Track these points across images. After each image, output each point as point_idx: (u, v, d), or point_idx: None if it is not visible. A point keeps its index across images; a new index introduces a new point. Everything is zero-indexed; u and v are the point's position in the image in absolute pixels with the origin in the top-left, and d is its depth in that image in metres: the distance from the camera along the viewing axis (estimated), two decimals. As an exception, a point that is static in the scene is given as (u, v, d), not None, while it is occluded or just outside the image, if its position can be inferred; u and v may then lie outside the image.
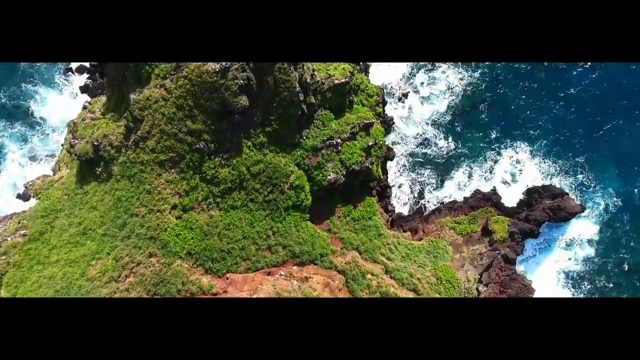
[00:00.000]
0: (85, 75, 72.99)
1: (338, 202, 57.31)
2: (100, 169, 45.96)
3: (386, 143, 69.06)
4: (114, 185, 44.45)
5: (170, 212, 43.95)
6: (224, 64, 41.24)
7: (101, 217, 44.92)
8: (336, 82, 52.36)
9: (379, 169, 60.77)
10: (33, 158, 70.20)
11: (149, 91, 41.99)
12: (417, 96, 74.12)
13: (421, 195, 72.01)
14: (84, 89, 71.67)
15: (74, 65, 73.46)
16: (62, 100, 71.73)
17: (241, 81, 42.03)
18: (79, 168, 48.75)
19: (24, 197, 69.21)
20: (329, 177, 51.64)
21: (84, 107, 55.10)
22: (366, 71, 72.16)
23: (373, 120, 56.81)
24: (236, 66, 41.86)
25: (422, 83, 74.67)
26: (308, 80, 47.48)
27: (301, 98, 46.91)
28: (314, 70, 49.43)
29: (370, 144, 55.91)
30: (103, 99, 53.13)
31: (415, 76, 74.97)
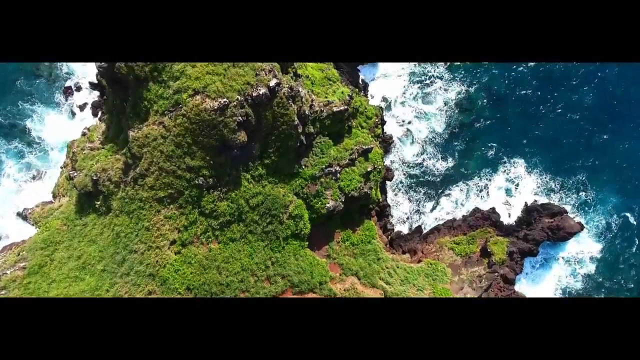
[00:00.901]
0: (85, 93, 72.71)
1: (337, 227, 57.42)
2: (99, 202, 46.02)
3: (385, 162, 69.14)
4: (113, 220, 44.50)
5: (169, 248, 44.05)
6: (222, 101, 41.22)
7: (100, 252, 45.03)
8: (335, 109, 52.31)
9: (378, 192, 60.83)
10: (30, 175, 69.97)
11: (148, 128, 41.96)
12: (414, 113, 73.85)
13: (420, 213, 72.01)
14: (82, 107, 71.38)
15: (72, 83, 73.16)
16: (60, 119, 71.62)
17: (240, 118, 42.01)
18: (78, 198, 48.80)
19: (22, 215, 69.18)
20: (327, 205, 51.71)
21: (83, 134, 55.09)
22: (365, 90, 72.09)
23: (372, 146, 56.78)
24: (234, 103, 41.84)
25: (419, 99, 74.37)
26: (307, 112, 47.42)
27: (300, 130, 46.89)
28: (312, 101, 49.34)
29: (369, 169, 55.92)
30: (102, 126, 53.08)
31: (412, 92, 74.65)
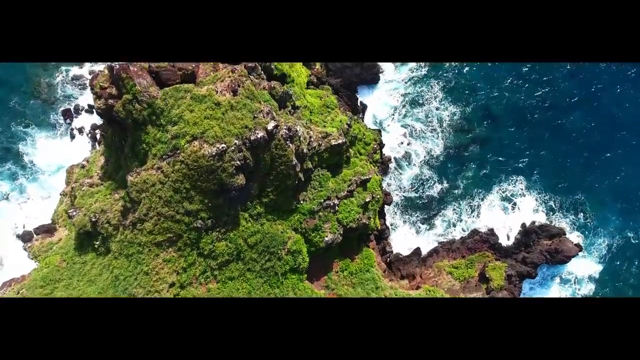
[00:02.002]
0: (84, 117, 72.61)
1: (335, 256, 57.63)
2: (98, 242, 46.18)
3: (383, 184, 69.22)
4: (112, 262, 44.70)
5: (168, 291, 44.23)
6: (220, 147, 41.28)
7: (99, 294, 45.22)
8: (333, 143, 52.39)
9: (377, 219, 60.96)
10: (26, 197, 69.85)
11: (146, 173, 42.05)
12: (411, 134, 73.77)
13: (418, 234, 72.21)
14: (81, 131, 71.33)
15: (71, 106, 73.03)
16: (55, 141, 71.28)
17: (238, 162, 42.10)
18: (77, 235, 48.93)
19: (23, 238, 69.31)
20: (326, 239, 51.91)
21: (82, 166, 55.14)
22: (364, 112, 72.07)
23: (370, 176, 56.87)
24: (232, 148, 41.92)
25: (416, 120, 74.28)
26: (305, 150, 47.47)
27: (298, 169, 46.94)
28: (310, 137, 49.37)
29: (367, 200, 56.06)
30: (101, 160, 53.16)
31: (408, 113, 74.53)
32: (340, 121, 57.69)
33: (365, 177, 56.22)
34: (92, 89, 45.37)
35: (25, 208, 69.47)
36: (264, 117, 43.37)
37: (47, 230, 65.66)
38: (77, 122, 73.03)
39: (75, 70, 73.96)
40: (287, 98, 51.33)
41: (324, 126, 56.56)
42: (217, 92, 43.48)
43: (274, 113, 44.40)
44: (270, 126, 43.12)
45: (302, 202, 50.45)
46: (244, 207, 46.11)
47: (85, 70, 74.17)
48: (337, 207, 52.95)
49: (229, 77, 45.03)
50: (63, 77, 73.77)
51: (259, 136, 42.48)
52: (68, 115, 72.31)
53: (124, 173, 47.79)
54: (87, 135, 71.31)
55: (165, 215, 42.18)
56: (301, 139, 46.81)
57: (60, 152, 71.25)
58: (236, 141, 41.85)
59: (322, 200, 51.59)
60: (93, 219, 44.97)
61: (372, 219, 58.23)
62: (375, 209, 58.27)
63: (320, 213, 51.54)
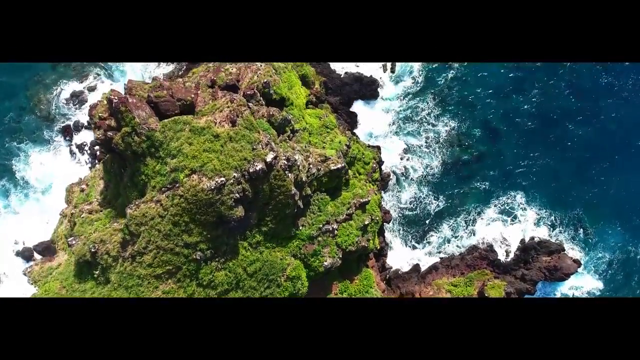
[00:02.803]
0: (84, 134, 72.59)
1: (335, 279, 57.81)
2: (97, 272, 46.31)
3: (382, 200, 69.32)
4: (112, 292, 44.79)
5: (167, 322, 44.31)
6: (219, 180, 41.34)
7: (100, 324, 45.29)
8: (332, 167, 52.44)
9: (376, 240, 61.06)
10: (20, 214, 69.91)
11: (146, 206, 42.15)
12: (409, 150, 73.75)
13: (417, 250, 72.38)
14: (81, 148, 71.36)
15: (71, 122, 72.99)
16: (50, 158, 71.31)
17: (237, 194, 42.18)
18: (77, 262, 49.06)
19: (22, 254, 69.59)
20: (325, 263, 52.06)
21: (82, 190, 55.21)
22: (362, 128, 72.02)
23: (369, 198, 56.95)
24: (231, 181, 41.98)
25: (414, 135, 74.24)
26: (304, 179, 47.54)
27: (297, 197, 47.03)
28: (309, 164, 49.43)
29: (366, 222, 56.18)
30: (100, 184, 53.26)
31: (405, 129, 74.48)
32: (340, 142, 57.71)
33: (364, 200, 56.30)
34: (91, 118, 45.38)
35: (20, 224, 69.47)
36: (262, 148, 43.40)
37: (47, 247, 65.93)
38: (77, 138, 72.84)
39: (74, 85, 73.78)
40: (286, 124, 51.40)
41: (323, 147, 56.61)
42: (215, 123, 43.48)
43: (272, 144, 44.44)
44: (269, 158, 43.17)
45: (301, 227, 50.56)
46: (243, 236, 46.22)
47: (84, 85, 73.95)
48: (336, 232, 53.06)
49: (228, 107, 45.06)
50: (61, 92, 73.49)
51: (257, 168, 42.52)
52: (68, 132, 72.13)
53: (123, 200, 47.90)
54: (87, 152, 71.26)
55: (165, 249, 42.28)
56: (300, 167, 46.87)
57: (55, 168, 71.22)
58: (235, 174, 41.90)
59: (321, 225, 51.70)
60: (92, 249, 45.10)
61: (371, 241, 58.37)
62: (375, 230, 58.40)
63: (320, 238, 51.66)
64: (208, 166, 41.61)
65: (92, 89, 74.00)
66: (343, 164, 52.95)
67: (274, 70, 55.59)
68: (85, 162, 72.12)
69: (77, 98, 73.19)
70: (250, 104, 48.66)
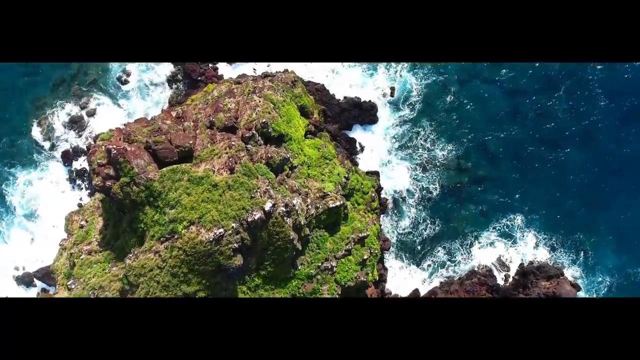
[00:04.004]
0: (83, 160, 72.64)
1: (334, 312, 57.89)
2: (97, 317, 46.49)
3: (381, 223, 69.50)
4: (112, 339, 45.05)
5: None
6: (218, 232, 41.47)
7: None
8: (331, 205, 52.51)
9: (375, 272, 61.25)
10: (12, 239, 70.09)
11: (144, 257, 42.34)
12: (406, 175, 73.76)
13: (415, 274, 72.60)
14: (79, 173, 71.43)
15: (70, 147, 73.00)
16: (50, 185, 71.41)
17: (235, 244, 42.33)
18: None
19: (23, 280, 69.98)
20: (324, 301, 52.20)
21: (81, 226, 55.40)
22: (362, 151, 71.99)
23: (368, 232, 57.08)
24: (230, 231, 42.11)
25: (410, 160, 74.20)
26: (302, 222, 47.67)
27: (295, 241, 47.17)
28: (308, 206, 49.52)
29: (365, 257, 56.36)
30: (100, 222, 53.39)
31: (402, 153, 74.43)
32: (338, 174, 57.83)
33: (363, 234, 56.39)
34: (89, 165, 45.47)
35: (13, 250, 69.72)
36: (261, 196, 43.50)
37: (47, 274, 66.41)
38: (76, 164, 72.91)
39: (74, 109, 73.68)
40: (285, 162, 51.42)
41: (322, 180, 56.69)
42: (214, 171, 43.56)
43: (271, 190, 44.53)
44: (267, 206, 43.28)
45: (299, 266, 50.74)
46: (242, 280, 46.43)
47: (84, 110, 73.93)
48: (334, 268, 53.23)
49: (226, 153, 45.13)
50: (60, 117, 73.47)
51: (256, 217, 42.64)
52: (67, 157, 72.18)
53: (122, 243, 48.07)
54: (86, 179, 71.38)
55: (164, 299, 42.52)
56: (298, 211, 46.92)
57: (52, 194, 71.46)
58: (234, 224, 42.04)
59: (320, 264, 51.90)
60: (92, 296, 45.33)
61: (370, 274, 58.58)
62: (374, 263, 58.57)
63: (318, 276, 51.87)
64: (206, 217, 41.74)
65: (91, 113, 73.97)
66: (342, 202, 53.03)
67: (272, 105, 55.53)
68: (85, 187, 72.18)
69: (76, 124, 73.14)
70: (249, 146, 48.68)
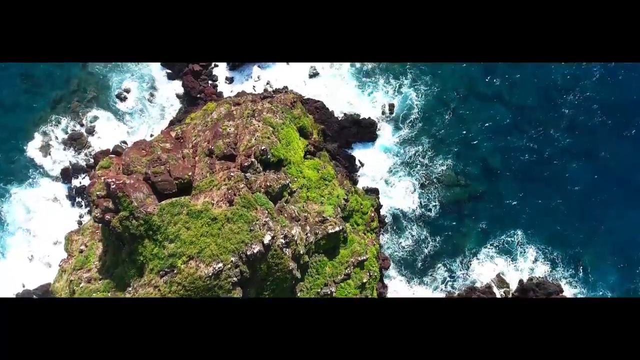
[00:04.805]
0: (82, 177, 72.68)
1: (334, 334, 58.13)
2: (98, 347, 46.73)
3: (380, 240, 69.68)
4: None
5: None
6: (217, 267, 41.62)
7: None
8: (330, 231, 52.65)
9: (374, 293, 61.45)
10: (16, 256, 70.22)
11: (144, 292, 42.50)
12: (408, 190, 73.77)
13: (415, 291, 72.73)
14: (79, 190, 71.47)
15: (69, 166, 72.98)
16: (47, 202, 71.48)
17: (234, 278, 42.49)
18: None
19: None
20: (323, 327, 52.32)
21: (80, 251, 55.57)
22: (360, 171, 72.06)
23: (367, 256, 57.25)
24: (229, 265, 42.26)
25: (412, 175, 74.22)
26: (301, 252, 47.82)
27: (295, 271, 47.33)
28: (307, 233, 49.64)
29: (364, 280, 56.53)
30: (99, 247, 53.55)
31: (405, 169, 74.45)
32: (338, 196, 57.93)
33: (362, 258, 56.54)
34: (89, 196, 45.58)
35: (12, 267, 69.92)
36: (260, 228, 43.61)
37: (46, 292, 66.66)
38: (76, 182, 72.95)
39: (73, 126, 73.66)
40: (284, 189, 51.52)
41: (322, 203, 56.81)
42: (213, 204, 43.65)
43: (270, 222, 44.62)
44: (266, 240, 43.43)
45: (299, 293, 50.91)
46: (242, 310, 46.49)
47: (83, 128, 73.98)
48: (334, 293, 53.40)
49: (225, 184, 45.23)
50: (59, 134, 73.54)
51: (255, 250, 42.79)
52: (66, 175, 72.22)
53: (121, 271, 48.23)
54: (86, 197, 71.38)
55: (164, 333, 42.62)
56: (297, 241, 47.05)
57: (51, 212, 71.47)
58: (233, 258, 42.19)
59: (319, 289, 52.07)
60: (92, 327, 45.46)
61: (369, 297, 58.76)
62: (373, 285, 58.76)
63: (318, 302, 52.02)
64: (206, 252, 41.89)
65: (90, 130, 73.97)
66: (341, 227, 53.14)
67: (271, 129, 55.57)
68: (84, 204, 72.27)
69: (75, 141, 73.17)
70: (248, 174, 48.75)
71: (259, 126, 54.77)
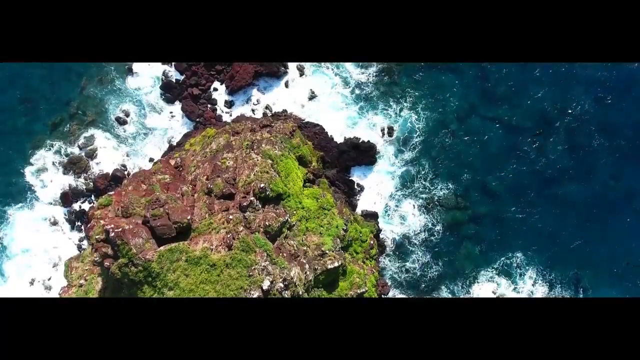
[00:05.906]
0: (81, 201, 72.70)
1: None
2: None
3: (380, 267, 69.84)
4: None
5: None
6: (215, 315, 41.67)
7: None
8: (329, 267, 52.72)
9: (374, 322, 61.53)
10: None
11: (143, 338, 42.58)
12: (408, 214, 73.78)
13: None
14: (78, 214, 71.58)
15: (68, 190, 73.00)
16: (47, 226, 71.64)
17: (233, 325, 42.52)
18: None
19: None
20: None
21: (80, 285, 55.76)
22: (361, 192, 72.11)
23: (366, 288, 57.38)
24: (228, 312, 42.30)
25: (413, 198, 74.20)
26: (300, 293, 47.92)
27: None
28: (306, 272, 49.74)
29: (364, 312, 56.52)
30: (99, 282, 53.70)
31: (405, 192, 74.43)
32: (337, 227, 57.95)
33: (361, 290, 56.66)
34: (88, 239, 45.62)
35: (12, 291, 70.20)
36: (259, 273, 43.67)
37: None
38: (75, 205, 72.98)
39: (72, 149, 73.65)
40: (283, 226, 51.56)
41: (321, 234, 56.88)
42: (212, 249, 43.69)
43: (269, 267, 44.68)
44: (265, 285, 43.51)
45: (298, 330, 51.00)
46: (241, 351, 46.69)
47: (82, 151, 73.93)
48: (333, 327, 53.49)
49: (224, 228, 45.24)
50: (59, 158, 73.49)
51: (254, 296, 42.85)
52: (66, 199, 72.28)
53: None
54: (85, 221, 71.49)
55: (163, 379, 42.81)
56: (297, 282, 47.14)
57: (50, 236, 71.66)
58: (232, 305, 42.17)
59: (319, 325, 52.08)
60: (93, 370, 45.69)
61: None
62: (372, 316, 58.83)
63: (317, 337, 52.13)
64: (205, 300, 41.92)
65: (90, 154, 73.94)
66: (340, 262, 53.20)
67: (270, 162, 55.54)
68: (84, 229, 72.33)
69: (75, 164, 73.15)
70: (247, 213, 48.77)
71: (257, 160, 54.74)
